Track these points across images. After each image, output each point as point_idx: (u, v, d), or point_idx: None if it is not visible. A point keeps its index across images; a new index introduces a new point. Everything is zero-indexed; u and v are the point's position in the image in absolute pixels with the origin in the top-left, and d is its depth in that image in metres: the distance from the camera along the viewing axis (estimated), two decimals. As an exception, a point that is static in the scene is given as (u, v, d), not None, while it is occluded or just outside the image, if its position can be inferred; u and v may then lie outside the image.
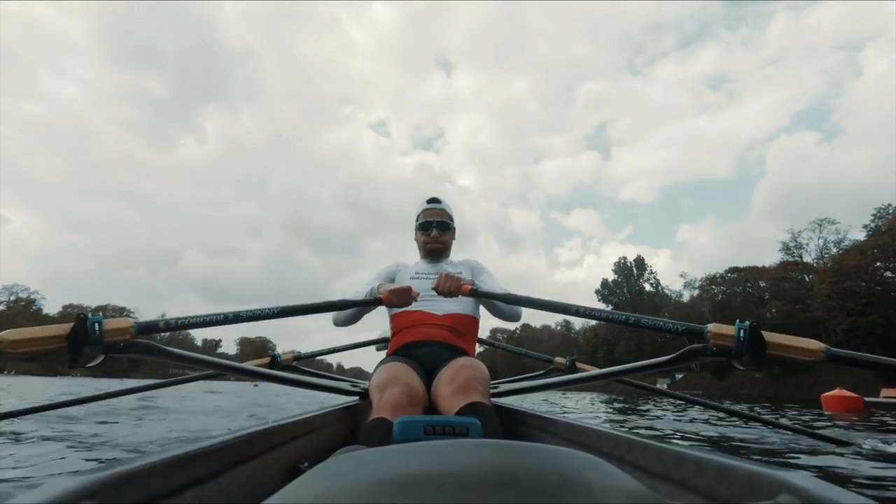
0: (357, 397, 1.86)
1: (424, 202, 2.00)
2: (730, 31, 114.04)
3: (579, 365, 2.68)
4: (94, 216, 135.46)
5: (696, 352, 1.13)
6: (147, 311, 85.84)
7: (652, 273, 58.81)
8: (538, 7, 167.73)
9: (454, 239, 2.05)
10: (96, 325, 1.02)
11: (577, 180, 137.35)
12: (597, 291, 61.24)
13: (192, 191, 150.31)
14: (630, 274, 59.21)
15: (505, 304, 1.71)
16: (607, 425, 1.13)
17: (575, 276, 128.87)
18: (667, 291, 56.39)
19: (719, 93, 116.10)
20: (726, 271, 48.90)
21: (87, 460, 2.14)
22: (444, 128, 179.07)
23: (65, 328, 1.02)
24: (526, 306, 1.56)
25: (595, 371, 2.01)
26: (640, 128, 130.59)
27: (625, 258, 60.30)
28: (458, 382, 1.31)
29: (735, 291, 47.67)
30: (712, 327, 1.07)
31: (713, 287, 48.87)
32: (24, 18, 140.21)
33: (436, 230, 1.93)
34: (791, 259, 39.31)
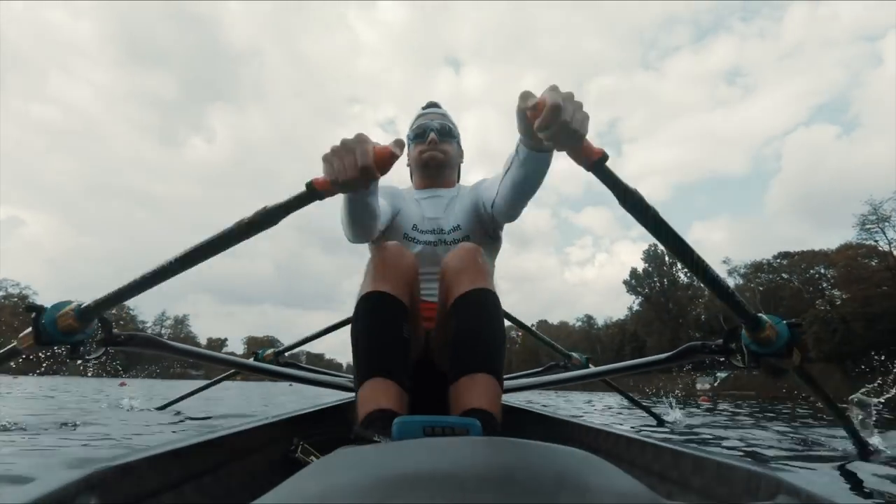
0: (353, 393, 1.71)
1: (419, 109, 1.56)
2: (745, 22, 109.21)
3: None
4: (106, 217, 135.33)
5: (694, 349, 1.12)
6: (157, 311, 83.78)
7: (686, 261, 53.25)
8: (548, 2, 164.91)
9: (461, 160, 1.58)
10: (47, 312, 0.98)
11: (588, 178, 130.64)
12: (625, 282, 56.02)
13: (202, 191, 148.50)
14: (662, 263, 53.73)
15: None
16: (607, 423, 1.09)
17: (586, 275, 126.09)
18: (706, 280, 50.72)
19: (734, 87, 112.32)
20: (774, 257, 43.48)
21: (83, 453, 1.86)
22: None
23: (28, 336, 0.98)
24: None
25: (596, 369, 2.01)
26: (653, 124, 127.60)
27: (655, 245, 54.80)
28: (456, 265, 1.10)
29: (784, 279, 42.22)
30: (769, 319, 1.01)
31: (759, 275, 43.40)
32: (34, 21, 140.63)
33: (434, 133, 1.45)
34: (869, 235, 33.68)
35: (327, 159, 0.85)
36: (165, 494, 0.61)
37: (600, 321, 69.76)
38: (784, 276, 42.36)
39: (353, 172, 0.83)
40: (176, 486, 0.64)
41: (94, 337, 1.03)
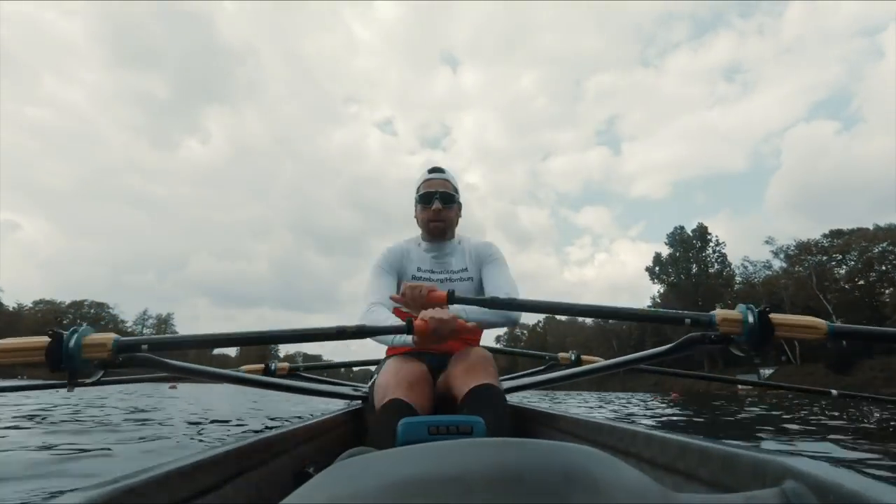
0: (360, 401, 1.84)
1: (425, 172, 1.73)
2: (744, 18, 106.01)
3: (585, 359, 2.64)
4: (102, 220, 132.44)
5: (695, 340, 1.13)
6: (139, 310, 79.46)
7: (718, 245, 47.72)
8: (545, 0, 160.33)
9: (460, 217, 1.77)
10: (73, 339, 0.99)
11: (586, 177, 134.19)
12: (647, 269, 50.59)
13: (197, 193, 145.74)
14: (690, 247, 48.21)
15: (492, 315, 1.47)
16: (610, 418, 1.13)
17: (585, 274, 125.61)
18: (746, 264, 44.95)
19: (734, 84, 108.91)
20: (824, 236, 38.05)
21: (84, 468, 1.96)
22: (451, 125, 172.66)
23: (43, 341, 0.99)
24: (518, 310, 1.42)
25: (599, 363, 1.99)
26: (652, 121, 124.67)
27: (682, 227, 49.31)
28: (469, 362, 1.30)
29: (837, 259, 36.79)
30: (719, 313, 1.05)
31: (807, 256, 37.91)
32: (25, 21, 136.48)
33: (438, 202, 1.64)
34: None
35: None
36: None
37: (615, 315, 64.27)
38: (836, 256, 36.94)
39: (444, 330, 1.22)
40: (184, 503, 0.64)
41: (89, 361, 1.02)
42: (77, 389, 1.09)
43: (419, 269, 1.65)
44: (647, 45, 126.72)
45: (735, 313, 1.02)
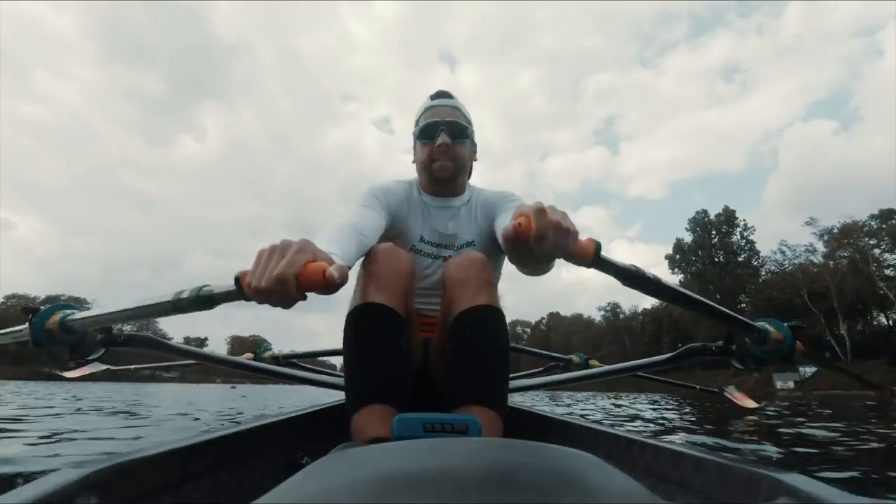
0: None
1: (427, 98, 1.31)
2: (743, 17, 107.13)
3: (592, 363, 2.68)
4: (97, 219, 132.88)
5: (696, 350, 1.13)
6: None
7: (747, 230, 43.31)
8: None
9: (474, 160, 1.37)
10: (38, 330, 1.00)
11: (584, 176, 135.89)
12: (667, 257, 46.23)
13: (193, 191, 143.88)
14: (717, 231, 43.81)
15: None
16: (606, 424, 1.11)
17: (582, 274, 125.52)
18: (784, 249, 40.20)
19: (732, 83, 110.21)
20: (871, 217, 33.74)
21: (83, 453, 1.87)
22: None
23: (25, 334, 1.02)
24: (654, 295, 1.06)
25: (602, 368, 1.90)
26: (650, 121, 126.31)
27: (705, 211, 45.01)
28: (463, 273, 1.02)
29: (888, 243, 32.51)
30: (772, 331, 1.03)
31: (856, 240, 33.58)
32: (17, 16, 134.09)
33: (445, 134, 1.22)
34: None
35: (259, 256, 0.65)
36: (164, 494, 0.61)
37: (626, 311, 60.05)
38: (886, 239, 32.63)
39: (266, 282, 0.62)
40: (175, 486, 0.64)
41: (93, 337, 1.05)
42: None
43: (422, 240, 1.27)
44: (646, 45, 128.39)
45: (777, 332, 1.02)
